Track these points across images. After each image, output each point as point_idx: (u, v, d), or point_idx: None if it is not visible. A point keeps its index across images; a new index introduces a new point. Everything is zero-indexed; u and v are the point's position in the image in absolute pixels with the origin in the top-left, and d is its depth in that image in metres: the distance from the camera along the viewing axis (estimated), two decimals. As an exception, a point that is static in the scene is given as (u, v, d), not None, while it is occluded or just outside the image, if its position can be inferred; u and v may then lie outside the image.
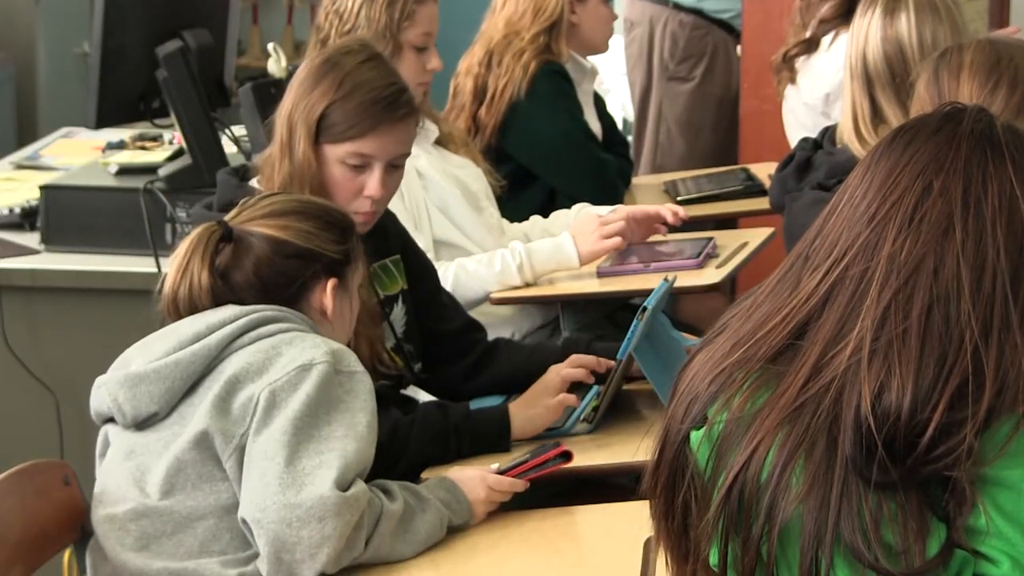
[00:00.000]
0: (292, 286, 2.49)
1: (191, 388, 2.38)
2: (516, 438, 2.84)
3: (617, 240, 3.60)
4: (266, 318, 2.43)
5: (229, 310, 2.44)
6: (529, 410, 2.86)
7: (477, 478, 2.53)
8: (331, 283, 2.51)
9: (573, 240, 3.60)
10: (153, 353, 2.41)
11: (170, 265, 2.49)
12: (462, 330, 3.13)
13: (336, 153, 2.84)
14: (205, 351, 2.38)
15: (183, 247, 2.48)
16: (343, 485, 2.28)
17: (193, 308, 2.46)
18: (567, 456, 2.56)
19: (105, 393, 2.41)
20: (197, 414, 2.35)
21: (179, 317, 2.46)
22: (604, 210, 4.01)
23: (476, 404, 2.94)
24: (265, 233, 2.48)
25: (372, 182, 2.85)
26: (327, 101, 2.83)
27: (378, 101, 2.84)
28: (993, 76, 2.61)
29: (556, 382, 2.90)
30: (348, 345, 2.59)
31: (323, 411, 2.33)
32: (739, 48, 5.41)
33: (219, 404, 2.33)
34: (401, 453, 2.77)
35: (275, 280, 2.48)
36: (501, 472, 2.56)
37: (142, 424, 2.40)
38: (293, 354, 2.37)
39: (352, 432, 2.33)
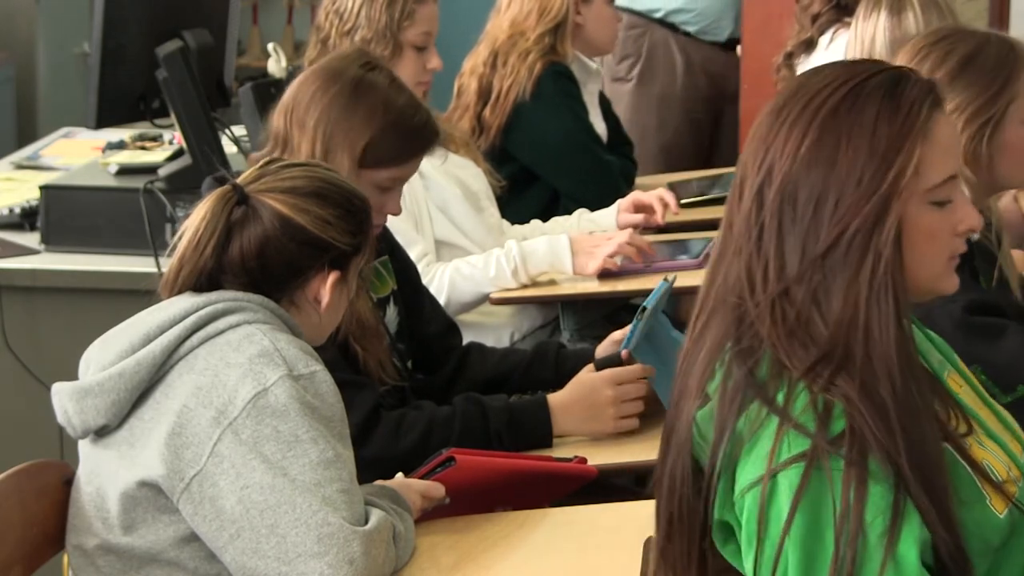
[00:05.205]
0: (292, 272, 2.34)
1: (140, 398, 2.27)
2: (560, 435, 2.85)
3: (613, 261, 3.61)
4: (217, 312, 2.28)
5: (180, 304, 2.30)
6: (589, 424, 2.85)
7: (407, 487, 2.45)
8: (333, 276, 2.36)
9: (571, 251, 3.60)
10: (106, 357, 2.30)
11: (182, 237, 2.33)
12: (442, 333, 3.13)
13: (375, 178, 2.80)
14: (150, 359, 2.26)
15: (196, 215, 2.33)
16: (358, 519, 2.20)
17: (197, 284, 2.32)
18: (452, 462, 2.51)
19: (57, 404, 2.32)
20: (148, 451, 2.23)
21: (174, 293, 2.34)
22: (604, 214, 4.02)
23: None
24: (280, 210, 2.32)
25: (393, 202, 2.86)
26: (372, 130, 2.80)
27: (418, 130, 2.85)
28: (924, 50, 2.60)
29: (610, 398, 2.86)
30: (336, 337, 2.56)
31: (303, 433, 2.20)
32: (739, 49, 5.41)
33: (169, 443, 2.21)
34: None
35: (276, 262, 2.32)
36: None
37: (98, 434, 2.30)
38: (241, 372, 2.23)
39: (340, 444, 2.24)
